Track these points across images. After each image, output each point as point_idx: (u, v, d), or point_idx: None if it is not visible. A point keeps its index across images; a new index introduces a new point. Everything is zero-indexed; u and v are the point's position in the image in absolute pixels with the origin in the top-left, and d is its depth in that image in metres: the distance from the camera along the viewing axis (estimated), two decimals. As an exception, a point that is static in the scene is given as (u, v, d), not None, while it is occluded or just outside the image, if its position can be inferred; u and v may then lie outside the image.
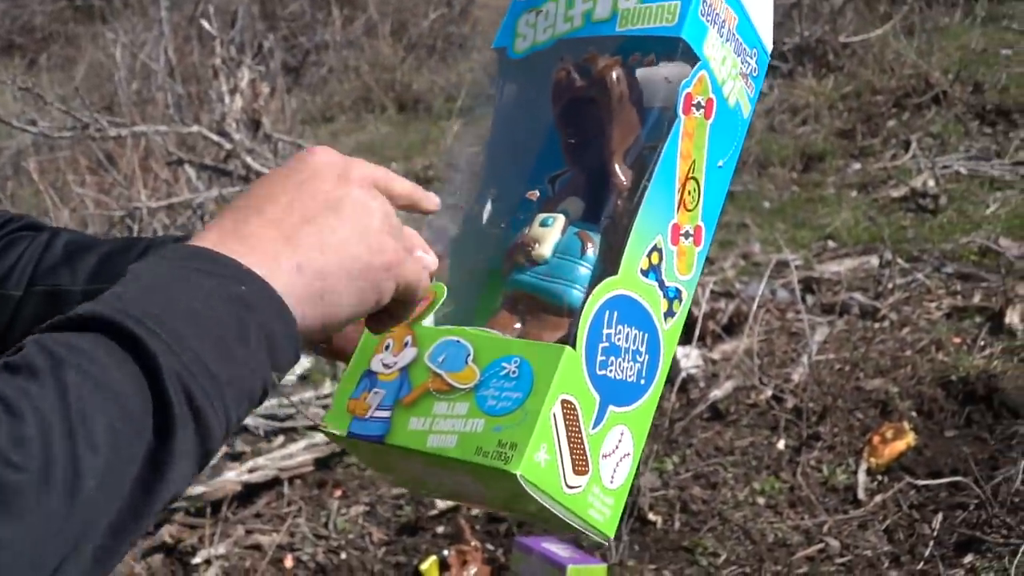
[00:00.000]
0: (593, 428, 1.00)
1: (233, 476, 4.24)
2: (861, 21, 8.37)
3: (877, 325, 4.59)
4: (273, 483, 4.31)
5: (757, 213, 6.21)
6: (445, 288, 1.10)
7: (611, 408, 1.02)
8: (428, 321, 1.09)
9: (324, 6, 11.16)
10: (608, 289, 1.02)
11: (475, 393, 1.00)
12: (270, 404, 4.70)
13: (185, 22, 8.91)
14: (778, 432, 4.07)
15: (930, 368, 4.20)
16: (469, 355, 1.03)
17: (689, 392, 4.35)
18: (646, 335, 1.05)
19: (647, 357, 1.05)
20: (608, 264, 1.06)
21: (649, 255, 1.05)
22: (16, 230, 1.31)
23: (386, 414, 1.04)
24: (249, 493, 4.27)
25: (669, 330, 1.07)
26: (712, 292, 4.88)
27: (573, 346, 0.99)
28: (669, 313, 1.07)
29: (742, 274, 5.27)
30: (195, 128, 5.49)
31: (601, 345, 1.01)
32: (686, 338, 4.55)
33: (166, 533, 4.06)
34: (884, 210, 5.89)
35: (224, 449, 4.53)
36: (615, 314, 1.02)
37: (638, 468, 3.71)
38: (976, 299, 4.63)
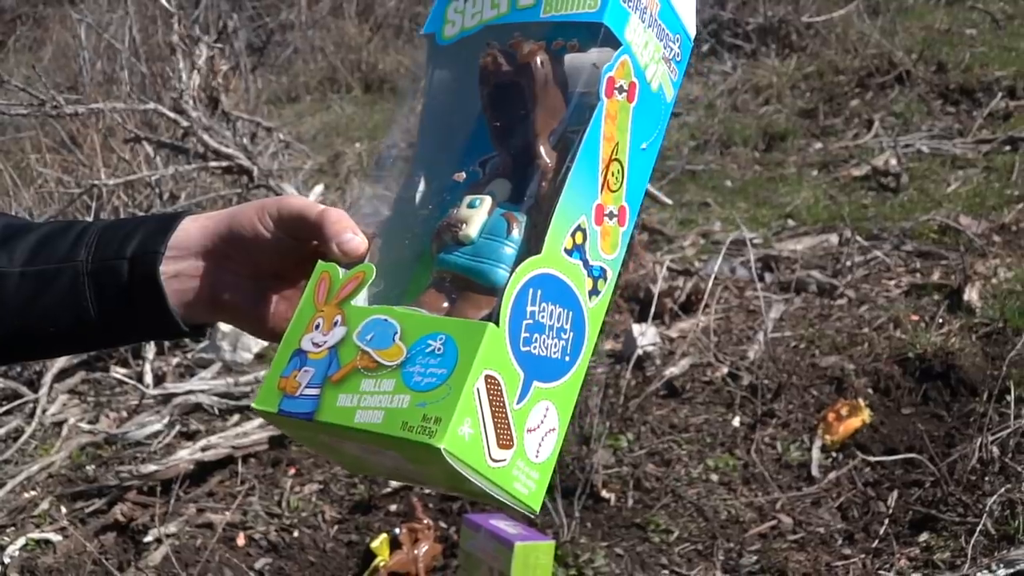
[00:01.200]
0: (518, 403, 1.02)
1: (186, 455, 4.23)
2: (824, 1, 8.41)
3: (835, 303, 4.62)
4: (227, 461, 4.30)
5: (719, 192, 6.24)
6: (374, 268, 1.12)
7: (536, 384, 1.04)
8: (359, 300, 1.11)
9: (289, -15, 11.14)
10: (531, 268, 1.04)
11: (401, 370, 1.02)
12: (225, 382, 4.71)
13: (151, 2, 8.87)
14: (733, 409, 4.10)
15: (887, 345, 4.23)
16: (396, 333, 1.05)
17: (645, 369, 4.37)
18: (571, 313, 1.07)
19: (572, 334, 1.07)
20: (532, 244, 1.08)
21: (573, 235, 1.07)
22: None
23: (315, 392, 1.06)
24: (203, 471, 4.27)
25: (594, 308, 1.09)
26: (670, 270, 4.91)
27: (497, 323, 1.01)
28: (594, 291, 1.09)
29: (702, 252, 5.30)
30: (151, 105, 5.47)
31: (525, 322, 1.03)
32: (643, 316, 4.58)
33: (118, 511, 4.06)
34: (845, 189, 5.93)
35: (178, 427, 4.54)
36: (539, 292, 1.04)
37: (590, 445, 3.73)
38: (935, 277, 4.67)
